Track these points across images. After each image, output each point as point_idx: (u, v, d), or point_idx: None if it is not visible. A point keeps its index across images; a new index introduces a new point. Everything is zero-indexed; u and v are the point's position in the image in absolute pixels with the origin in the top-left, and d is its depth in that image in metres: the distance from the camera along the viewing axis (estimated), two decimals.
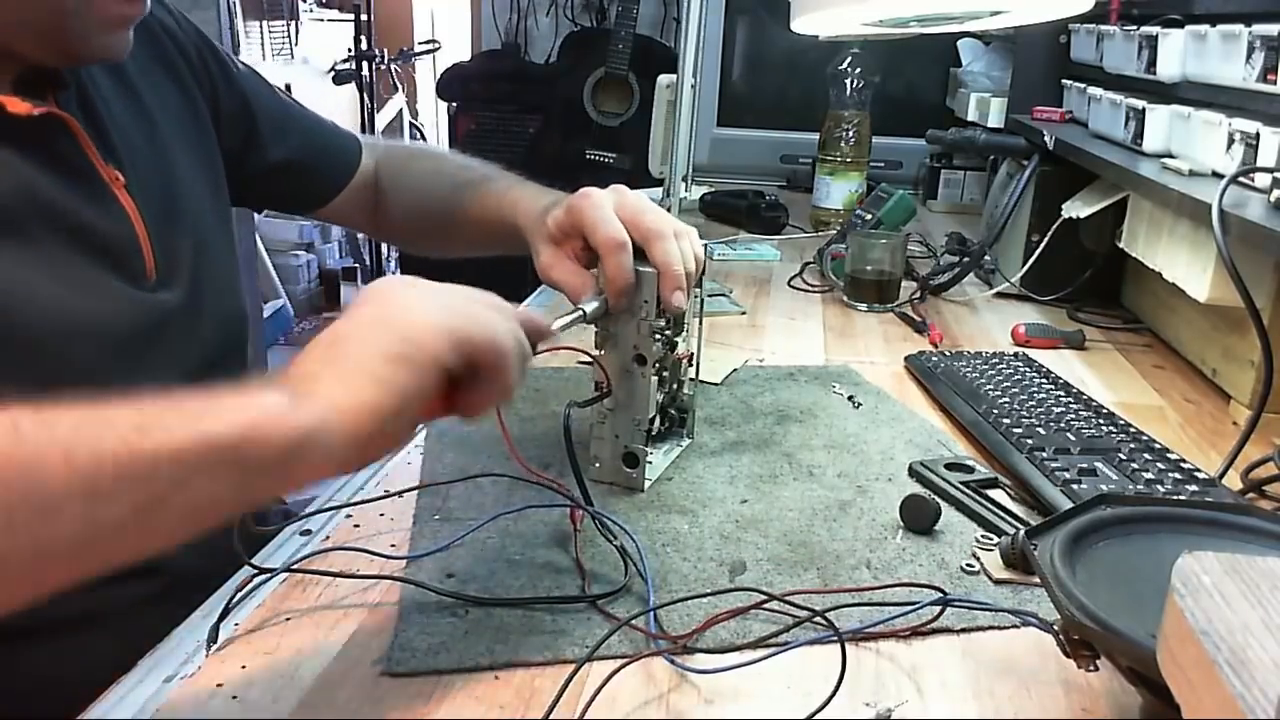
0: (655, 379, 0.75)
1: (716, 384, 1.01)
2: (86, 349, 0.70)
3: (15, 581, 0.42)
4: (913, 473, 0.81)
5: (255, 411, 0.46)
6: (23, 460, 0.41)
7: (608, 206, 0.73)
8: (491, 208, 0.93)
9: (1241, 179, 0.92)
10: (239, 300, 0.90)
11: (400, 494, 0.74)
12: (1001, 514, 0.73)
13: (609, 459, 0.77)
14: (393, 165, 1.07)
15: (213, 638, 0.56)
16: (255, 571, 0.61)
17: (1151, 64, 1.18)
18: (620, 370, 0.74)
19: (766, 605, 0.60)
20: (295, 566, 0.62)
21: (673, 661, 0.55)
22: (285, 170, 0.98)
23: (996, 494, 0.77)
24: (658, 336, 0.73)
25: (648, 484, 0.77)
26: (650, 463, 0.77)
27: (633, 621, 0.58)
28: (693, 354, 0.82)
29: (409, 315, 0.52)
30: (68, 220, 0.70)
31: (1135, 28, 1.23)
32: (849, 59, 1.80)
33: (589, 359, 0.75)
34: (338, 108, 4.68)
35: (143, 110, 0.81)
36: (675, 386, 0.81)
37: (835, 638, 0.57)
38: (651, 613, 0.59)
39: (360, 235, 4.05)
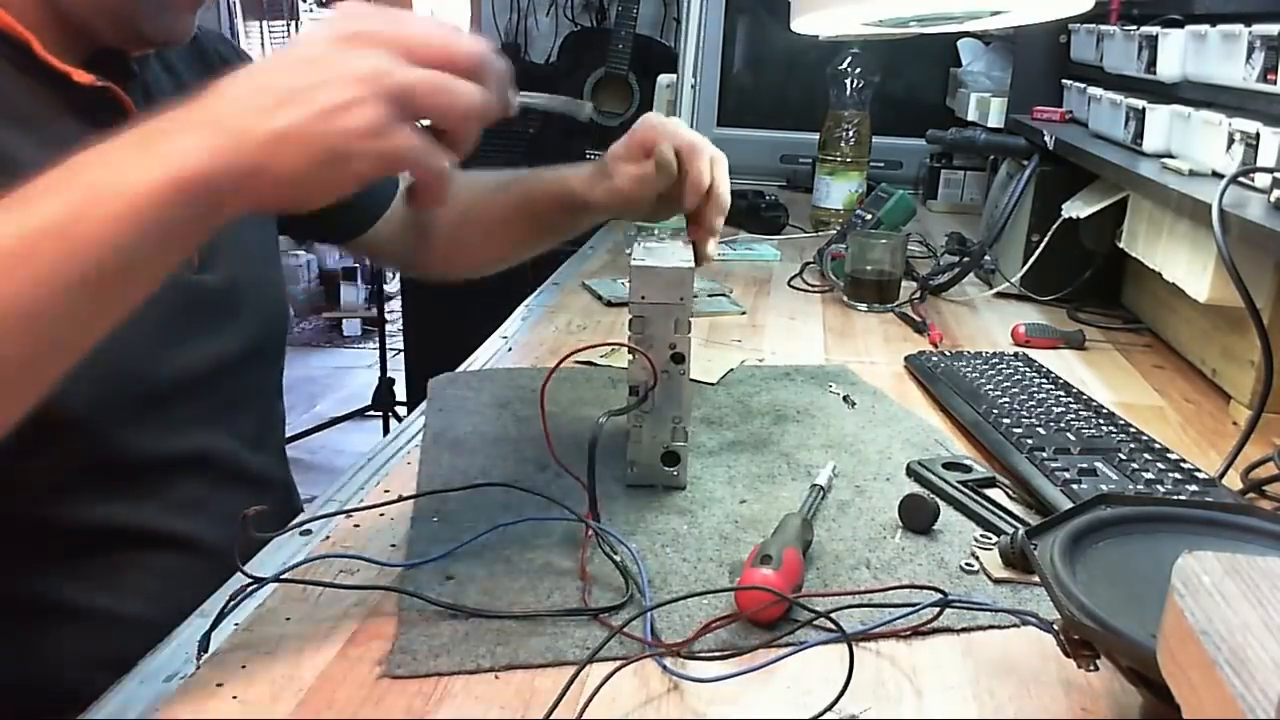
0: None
1: (713, 384, 1.01)
2: (136, 325, 0.73)
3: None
4: (910, 472, 0.81)
5: (162, 169, 0.49)
6: None
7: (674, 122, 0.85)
8: (545, 177, 1.01)
9: (1241, 179, 0.92)
10: (280, 301, 0.95)
11: (402, 499, 0.74)
12: (1000, 513, 0.73)
13: (646, 461, 0.76)
14: None
15: (203, 646, 0.55)
16: (251, 580, 0.61)
17: (1151, 64, 1.18)
18: (657, 371, 0.74)
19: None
20: (288, 576, 0.61)
21: (670, 670, 0.55)
22: None
23: (994, 493, 0.77)
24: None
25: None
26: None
27: (633, 632, 0.57)
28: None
29: (338, 93, 0.50)
30: None
31: (1135, 28, 1.23)
32: (849, 59, 1.80)
33: (628, 363, 0.74)
34: None
35: None
36: None
37: (839, 639, 0.57)
38: (649, 620, 0.58)
39: None
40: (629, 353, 0.74)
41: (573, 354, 0.76)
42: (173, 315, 0.76)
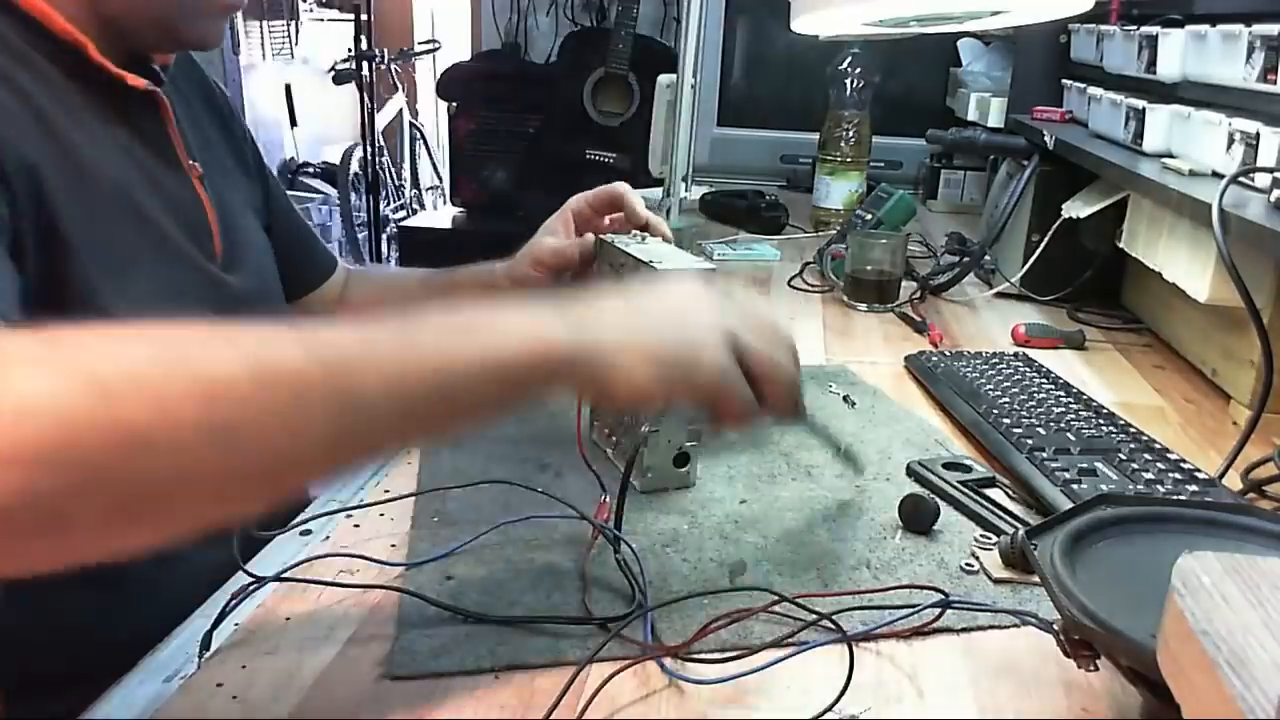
0: None
1: None
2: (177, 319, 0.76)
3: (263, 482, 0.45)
4: (911, 472, 0.81)
5: (537, 338, 0.52)
6: (281, 376, 0.43)
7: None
8: (472, 268, 1.00)
9: (1241, 179, 0.92)
10: (285, 307, 0.96)
11: (401, 497, 0.74)
12: (1000, 513, 0.73)
13: (660, 465, 0.76)
14: (360, 273, 1.15)
15: (205, 645, 0.55)
16: (251, 579, 0.61)
17: (1151, 64, 1.18)
18: None
19: (773, 608, 0.60)
20: (288, 575, 0.61)
21: (670, 671, 0.55)
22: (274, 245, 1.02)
23: (994, 493, 0.77)
24: None
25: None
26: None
27: (633, 633, 0.57)
28: None
29: (698, 331, 0.59)
30: (165, 194, 0.77)
31: (1135, 28, 1.23)
32: (849, 59, 1.80)
33: None
34: (338, 108, 4.69)
35: (207, 139, 0.89)
36: None
37: (840, 640, 0.57)
38: (649, 621, 0.58)
39: (360, 236, 4.05)
40: None
41: None
42: (207, 312, 0.79)
